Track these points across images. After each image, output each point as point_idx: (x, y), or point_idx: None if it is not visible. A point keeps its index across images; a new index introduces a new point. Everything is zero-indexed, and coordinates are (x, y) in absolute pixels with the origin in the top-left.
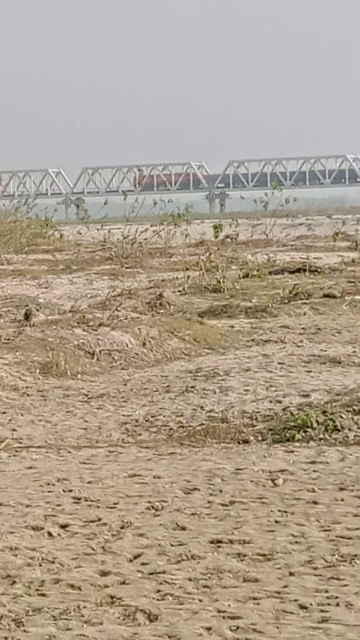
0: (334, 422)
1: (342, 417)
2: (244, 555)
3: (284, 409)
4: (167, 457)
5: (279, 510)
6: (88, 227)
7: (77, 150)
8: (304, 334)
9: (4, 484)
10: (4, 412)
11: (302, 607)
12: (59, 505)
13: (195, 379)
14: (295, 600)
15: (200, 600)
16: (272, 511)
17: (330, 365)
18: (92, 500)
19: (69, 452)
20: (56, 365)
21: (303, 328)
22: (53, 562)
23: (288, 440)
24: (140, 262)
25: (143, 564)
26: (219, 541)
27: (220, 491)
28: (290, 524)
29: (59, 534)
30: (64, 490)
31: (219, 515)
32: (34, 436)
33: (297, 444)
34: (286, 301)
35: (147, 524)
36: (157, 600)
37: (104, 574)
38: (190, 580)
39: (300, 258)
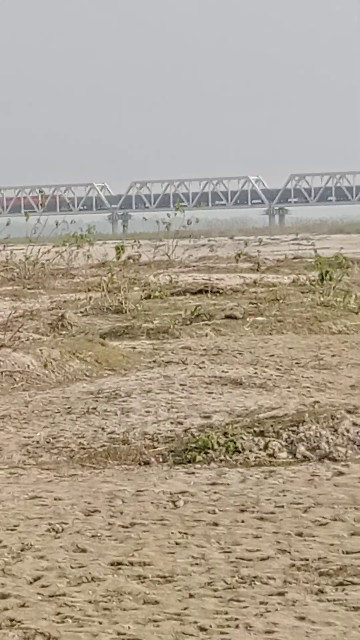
0: (235, 443)
1: (243, 438)
2: (144, 577)
3: (185, 431)
4: (67, 479)
5: (180, 532)
6: None
7: None
8: (206, 355)
9: None
10: None
11: (202, 629)
12: None
13: (96, 401)
14: (195, 622)
15: (100, 623)
16: (172, 533)
17: (231, 386)
18: None
19: None
20: None
21: (205, 349)
22: None
23: (189, 461)
24: (43, 283)
25: (43, 586)
26: (120, 563)
27: (121, 513)
28: (190, 545)
29: None
30: None
31: (120, 537)
32: None
33: (198, 465)
34: (188, 322)
35: (47, 546)
36: (57, 622)
37: (3, 596)
38: (90, 602)
39: (203, 279)
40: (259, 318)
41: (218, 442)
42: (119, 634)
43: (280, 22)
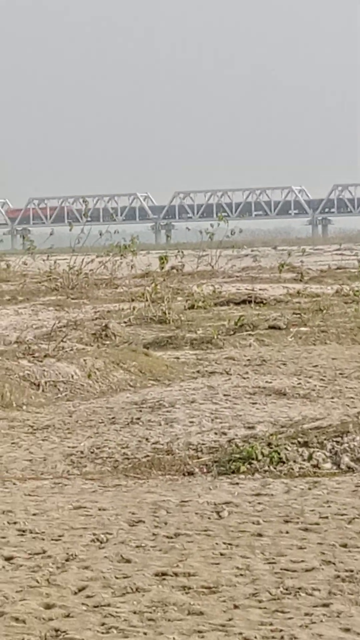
0: (278, 454)
1: (287, 449)
2: (189, 588)
3: (229, 441)
4: (112, 489)
5: (224, 543)
6: (34, 257)
7: (24, 179)
8: (249, 365)
9: None
10: None
11: None
12: (3, 537)
13: (140, 411)
14: (240, 634)
15: (145, 634)
16: (216, 544)
17: (275, 397)
18: (37, 533)
19: (14, 483)
20: (1, 396)
21: (248, 360)
22: None
23: (233, 472)
24: (86, 293)
25: (88, 596)
26: (164, 574)
27: (165, 523)
28: (235, 556)
29: (3, 567)
30: (8, 522)
31: (164, 547)
32: None
33: (242, 476)
34: (232, 332)
35: (91, 557)
36: (102, 633)
37: (48, 606)
38: (134, 613)
39: (246, 289)
40: (302, 328)
41: (262, 453)
42: None
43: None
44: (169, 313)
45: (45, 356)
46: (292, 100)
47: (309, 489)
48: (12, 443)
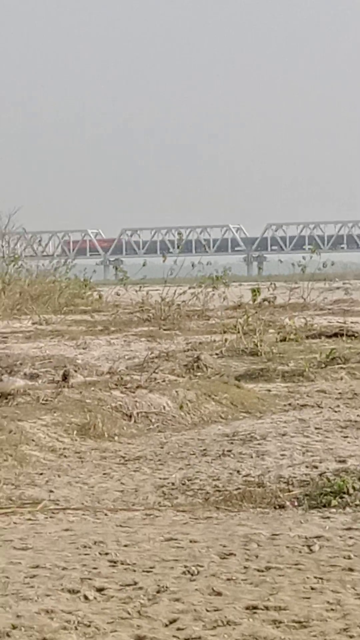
0: None
1: None
2: (280, 622)
3: (320, 475)
4: (203, 522)
5: (315, 577)
6: (126, 288)
7: (116, 210)
8: (341, 398)
9: (40, 545)
10: (42, 474)
11: None
12: (95, 568)
13: (232, 443)
14: None
15: None
16: (308, 577)
17: None
18: (128, 564)
19: (106, 514)
20: (94, 426)
21: (340, 393)
22: (89, 626)
23: (324, 506)
24: (178, 324)
25: (179, 629)
26: (255, 607)
27: (257, 556)
28: (326, 590)
29: (95, 598)
30: (100, 553)
31: (255, 581)
32: (71, 498)
33: (333, 509)
34: (323, 365)
35: (183, 589)
36: None
37: (139, 638)
38: None
39: (338, 322)
40: None
41: (354, 487)
42: None
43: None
44: (260, 345)
45: (137, 387)
46: None
47: None
48: (104, 474)
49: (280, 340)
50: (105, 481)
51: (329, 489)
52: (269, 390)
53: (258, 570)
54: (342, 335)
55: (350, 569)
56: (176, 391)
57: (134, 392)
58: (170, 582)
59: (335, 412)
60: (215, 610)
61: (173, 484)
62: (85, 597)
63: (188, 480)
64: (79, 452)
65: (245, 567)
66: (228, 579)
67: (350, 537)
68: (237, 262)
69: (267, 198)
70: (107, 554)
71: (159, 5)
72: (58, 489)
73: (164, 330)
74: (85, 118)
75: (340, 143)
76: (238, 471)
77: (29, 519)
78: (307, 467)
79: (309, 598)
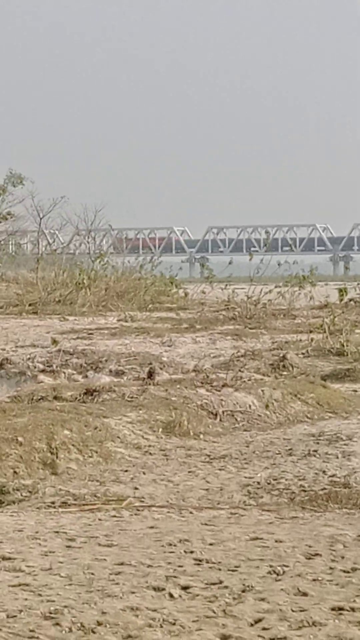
0: None
1: None
2: None
3: None
4: (288, 521)
5: None
6: (212, 286)
7: (202, 208)
8: None
9: (125, 543)
10: (127, 471)
11: None
12: (180, 566)
13: (317, 443)
14: None
15: None
16: None
17: None
18: (213, 562)
19: (191, 512)
20: (179, 424)
21: None
22: (174, 624)
23: None
24: (264, 323)
25: (264, 629)
26: (341, 608)
27: (342, 557)
28: None
29: (180, 596)
30: (185, 552)
31: (341, 582)
32: (156, 495)
33: None
34: None
35: (268, 588)
36: None
37: (224, 637)
38: None
39: None
40: None
41: None
42: None
43: None
44: (347, 345)
45: (223, 385)
46: None
47: None
48: (189, 472)
49: None
50: (191, 479)
51: None
52: (355, 391)
53: (344, 571)
54: None
55: None
56: (262, 390)
57: (219, 391)
58: (255, 582)
59: None
60: (300, 611)
61: (258, 483)
62: (171, 595)
63: (273, 480)
64: (164, 449)
65: (331, 568)
66: (314, 580)
67: None
68: (323, 262)
69: (355, 198)
70: (192, 552)
71: None
72: (143, 486)
73: (250, 328)
74: (176, 117)
75: None
76: (324, 471)
77: (114, 516)
78: None
79: None
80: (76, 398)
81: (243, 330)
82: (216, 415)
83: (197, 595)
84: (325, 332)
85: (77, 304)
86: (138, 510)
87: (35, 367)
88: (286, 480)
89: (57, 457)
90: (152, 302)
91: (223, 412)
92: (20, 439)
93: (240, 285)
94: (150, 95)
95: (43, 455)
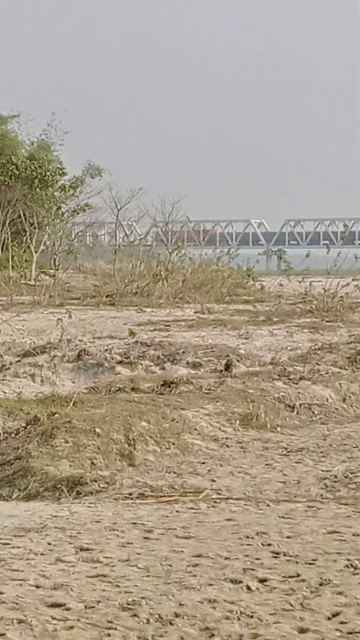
0: None
1: None
2: None
3: None
4: None
5: None
6: (289, 279)
7: (278, 201)
8: None
9: (203, 535)
10: (204, 463)
11: None
12: (257, 559)
13: None
14: None
15: None
16: None
17: None
18: (290, 556)
19: (268, 505)
20: (256, 417)
21: None
22: (251, 617)
23: None
24: (341, 316)
25: (342, 622)
26: None
27: None
28: None
29: (257, 588)
30: (262, 544)
31: None
32: (233, 488)
33: None
34: None
35: (346, 582)
36: None
37: (302, 631)
38: None
39: None
40: None
41: None
42: None
43: None
44: None
45: (300, 378)
46: None
47: None
48: (266, 464)
49: None
50: (268, 472)
51: None
52: None
53: None
54: None
55: None
56: (339, 383)
57: (297, 384)
58: (333, 575)
59: None
60: None
61: (336, 476)
62: (248, 588)
63: (351, 473)
64: (241, 442)
65: None
66: None
67: None
68: None
69: None
70: (269, 545)
71: None
72: (220, 479)
73: (327, 321)
74: (256, 109)
75: None
76: None
77: (191, 508)
78: None
79: None
80: (153, 390)
81: (320, 323)
82: (293, 408)
83: (275, 588)
84: None
85: (154, 296)
86: (215, 502)
87: (112, 359)
88: None
89: (134, 449)
90: (229, 295)
91: (300, 405)
92: (98, 430)
93: (317, 278)
94: (241, 87)
95: (120, 446)
